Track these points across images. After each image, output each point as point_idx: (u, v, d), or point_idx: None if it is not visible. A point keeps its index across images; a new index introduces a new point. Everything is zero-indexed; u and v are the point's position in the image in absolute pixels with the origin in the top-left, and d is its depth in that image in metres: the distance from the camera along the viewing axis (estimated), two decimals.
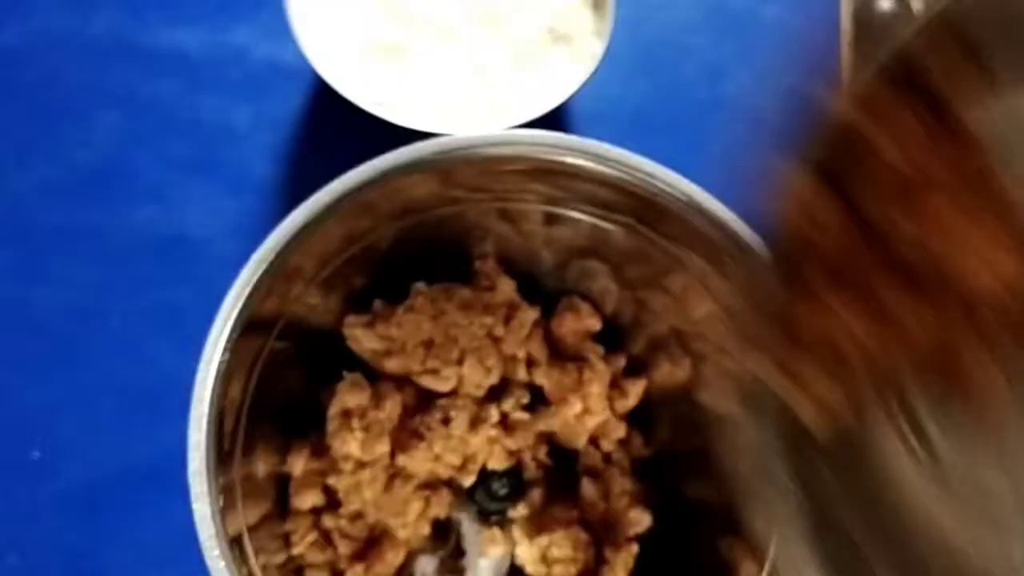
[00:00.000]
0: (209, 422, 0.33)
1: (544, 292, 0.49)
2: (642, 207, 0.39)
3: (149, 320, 0.55)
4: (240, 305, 0.34)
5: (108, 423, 0.53)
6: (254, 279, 0.34)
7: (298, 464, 0.44)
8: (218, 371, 0.33)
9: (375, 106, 0.51)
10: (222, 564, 0.32)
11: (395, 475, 0.45)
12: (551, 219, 0.44)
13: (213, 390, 0.33)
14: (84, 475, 0.52)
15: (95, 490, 0.52)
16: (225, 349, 0.34)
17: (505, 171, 0.39)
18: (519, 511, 0.47)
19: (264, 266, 0.35)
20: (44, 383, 0.53)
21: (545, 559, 0.45)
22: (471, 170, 0.38)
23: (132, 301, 0.55)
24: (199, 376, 0.33)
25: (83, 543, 0.51)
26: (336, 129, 0.60)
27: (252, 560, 0.38)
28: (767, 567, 0.39)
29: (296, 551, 0.45)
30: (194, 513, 0.32)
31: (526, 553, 0.45)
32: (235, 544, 0.35)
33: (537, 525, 0.46)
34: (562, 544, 0.45)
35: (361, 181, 0.36)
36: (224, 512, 0.34)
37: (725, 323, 0.41)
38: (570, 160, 0.37)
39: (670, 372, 0.48)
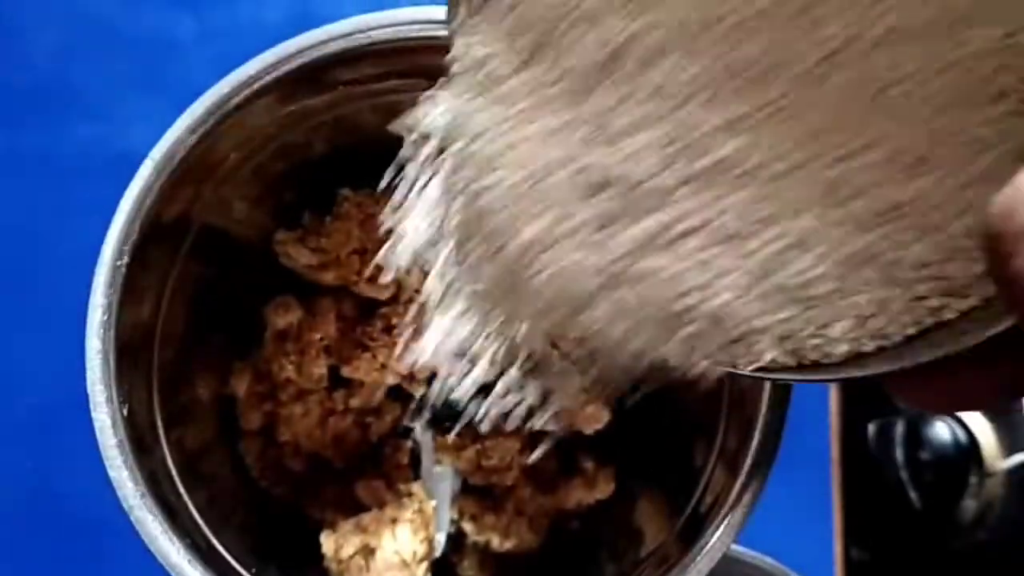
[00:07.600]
0: (106, 329, 0.31)
1: None
2: None
3: (100, 243, 0.53)
4: (143, 196, 0.32)
5: (61, 347, 0.52)
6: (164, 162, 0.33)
7: (240, 386, 0.43)
8: (115, 273, 0.32)
9: None
10: (125, 474, 0.30)
11: (331, 411, 0.44)
12: None
13: (109, 295, 0.32)
14: (39, 400, 0.51)
15: (50, 415, 0.51)
16: (123, 251, 0.32)
17: None
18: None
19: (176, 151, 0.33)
20: None
21: (482, 468, 0.44)
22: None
23: (81, 224, 0.53)
24: (95, 281, 0.31)
25: (42, 470, 0.51)
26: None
27: (185, 497, 0.36)
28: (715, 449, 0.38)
29: (253, 473, 0.44)
30: (95, 423, 0.31)
31: (460, 464, 0.44)
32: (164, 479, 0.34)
33: (470, 435, 0.44)
34: (491, 455, 0.43)
35: (282, 58, 0.33)
36: (143, 447, 0.33)
37: None
38: None
39: None
